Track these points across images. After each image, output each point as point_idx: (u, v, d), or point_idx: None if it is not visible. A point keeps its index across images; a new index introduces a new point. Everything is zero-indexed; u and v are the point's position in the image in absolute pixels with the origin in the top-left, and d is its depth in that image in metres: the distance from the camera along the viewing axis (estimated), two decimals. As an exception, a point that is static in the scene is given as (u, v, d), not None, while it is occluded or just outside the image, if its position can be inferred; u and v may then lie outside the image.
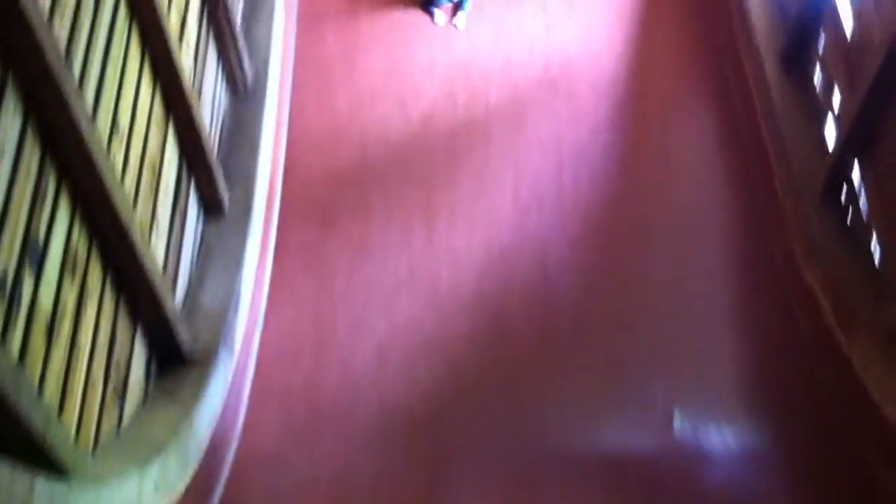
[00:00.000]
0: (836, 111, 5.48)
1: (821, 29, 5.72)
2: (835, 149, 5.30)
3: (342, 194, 6.15)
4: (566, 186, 6.26)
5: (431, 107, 6.64)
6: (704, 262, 5.98)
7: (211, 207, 5.08)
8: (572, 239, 6.02)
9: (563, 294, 5.77)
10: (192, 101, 4.67)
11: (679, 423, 5.33)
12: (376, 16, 7.14)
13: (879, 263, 4.95)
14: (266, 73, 5.97)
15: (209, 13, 5.37)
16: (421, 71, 6.82)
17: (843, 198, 5.31)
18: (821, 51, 5.75)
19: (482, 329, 5.60)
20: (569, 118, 6.63)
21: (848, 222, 5.25)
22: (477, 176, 6.29)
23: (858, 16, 5.29)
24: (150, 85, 4.32)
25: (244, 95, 5.83)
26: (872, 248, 5.02)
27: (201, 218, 5.04)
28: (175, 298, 4.34)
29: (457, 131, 6.53)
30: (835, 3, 5.54)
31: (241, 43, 5.76)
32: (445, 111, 6.62)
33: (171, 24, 4.51)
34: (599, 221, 6.12)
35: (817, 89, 5.77)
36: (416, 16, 7.13)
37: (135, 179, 4.03)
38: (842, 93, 5.43)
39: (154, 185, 4.27)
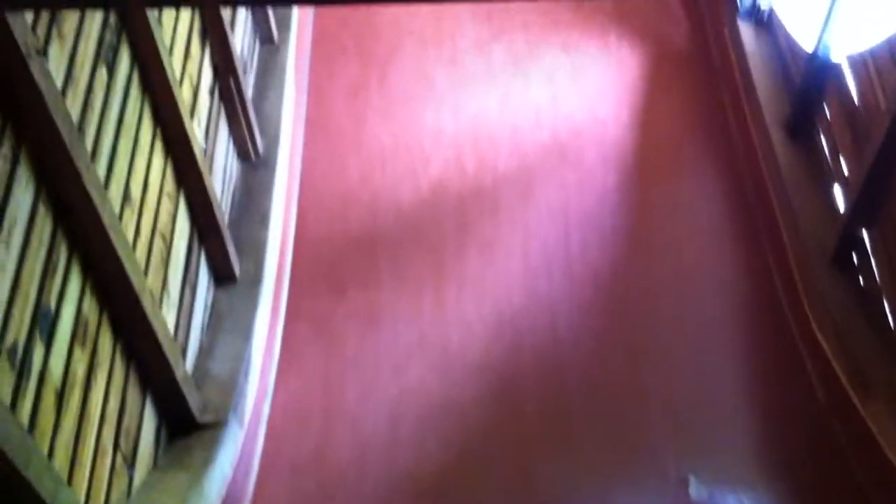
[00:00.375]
0: (844, 177, 5.52)
1: (825, 96, 5.79)
2: (844, 215, 5.32)
3: (352, 261, 6.18)
4: (575, 252, 6.28)
5: (441, 174, 6.70)
6: (716, 327, 5.95)
7: (221, 275, 5.12)
8: (582, 304, 6.01)
9: (573, 359, 5.74)
10: (204, 171, 4.75)
11: (694, 491, 5.25)
12: (386, 85, 7.26)
13: (894, 327, 4.93)
14: (277, 142, 6.06)
15: (221, 85, 5.48)
16: (430, 139, 6.90)
17: (854, 261, 5.31)
18: (826, 118, 5.80)
19: (493, 395, 5.57)
20: (577, 184, 6.67)
21: (860, 285, 5.24)
22: (486, 242, 6.32)
23: (862, 84, 5.36)
24: (162, 156, 4.40)
25: (255, 165, 5.92)
26: (886, 310, 5.01)
27: (212, 285, 5.08)
28: (185, 365, 4.35)
29: (466, 198, 6.58)
30: (838, 71, 5.61)
31: (252, 113, 5.87)
32: (455, 178, 6.68)
33: (184, 96, 4.61)
34: (609, 286, 6.11)
35: (824, 155, 5.81)
36: (425, 85, 7.25)
37: (146, 248, 4.08)
38: (848, 160, 5.47)
39: (165, 253, 4.32)
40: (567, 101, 7.23)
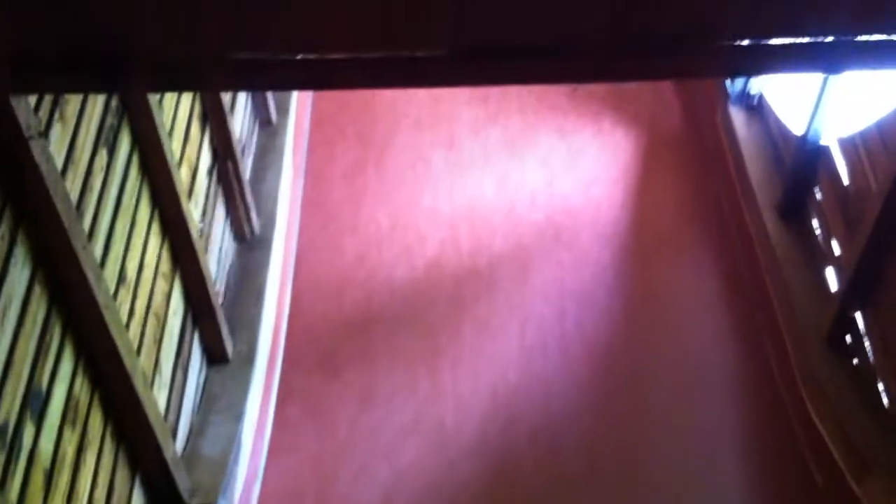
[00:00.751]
0: (837, 259, 5.55)
1: (816, 179, 5.86)
2: (838, 297, 5.33)
3: (347, 341, 6.18)
4: (570, 330, 6.28)
5: (436, 255, 6.74)
6: (712, 409, 5.93)
7: (214, 355, 5.11)
8: (578, 383, 6.00)
9: (569, 438, 5.70)
10: (199, 252, 4.78)
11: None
12: (383, 167, 7.36)
13: (888, 407, 4.91)
14: (273, 223, 6.11)
15: (219, 167, 5.55)
16: (426, 220, 6.97)
17: (848, 342, 5.31)
18: (818, 200, 5.86)
19: (488, 474, 5.52)
20: (572, 265, 6.71)
21: (855, 366, 5.24)
22: (481, 322, 6.33)
23: (852, 166, 5.43)
24: (159, 237, 4.44)
25: (251, 245, 5.96)
26: (881, 391, 4.99)
27: (204, 365, 5.06)
28: (175, 447, 4.31)
29: (461, 279, 6.61)
30: (829, 154, 5.69)
31: (249, 195, 5.93)
32: (450, 258, 6.72)
33: (182, 178, 4.67)
34: (605, 365, 6.11)
35: (816, 237, 5.85)
36: (422, 167, 7.35)
37: (139, 328, 4.08)
38: (841, 242, 5.51)
39: (158, 333, 4.33)
40: (562, 184, 7.32)
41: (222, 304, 5.31)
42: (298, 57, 2.68)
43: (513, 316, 6.38)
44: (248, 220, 5.96)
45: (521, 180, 7.33)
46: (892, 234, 4.87)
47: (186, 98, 4.98)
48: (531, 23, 2.64)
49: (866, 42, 2.83)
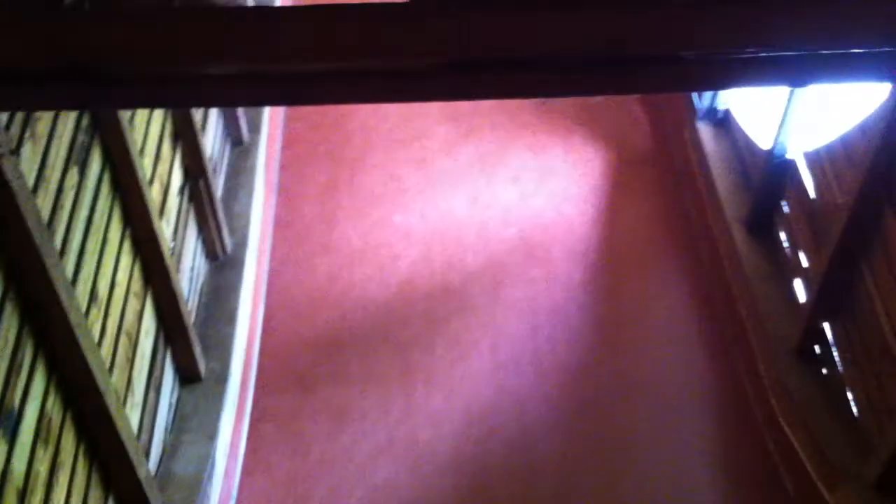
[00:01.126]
0: (804, 270, 5.62)
1: (783, 193, 5.94)
2: (806, 308, 5.40)
3: (319, 360, 6.16)
4: (543, 346, 6.30)
5: (409, 273, 6.75)
6: (684, 419, 5.96)
7: (187, 374, 5.09)
8: (550, 398, 6.01)
9: (543, 453, 5.71)
10: (171, 271, 4.77)
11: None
12: (355, 186, 7.37)
13: (858, 416, 4.97)
14: (245, 243, 6.10)
15: (191, 186, 5.54)
16: (398, 238, 6.98)
17: (817, 353, 5.38)
18: (785, 213, 5.94)
19: (462, 490, 5.51)
20: (543, 281, 6.74)
21: (824, 376, 5.30)
22: (454, 340, 6.33)
23: (818, 180, 5.51)
24: (130, 255, 4.42)
25: (223, 264, 5.94)
26: (850, 400, 5.06)
27: (177, 385, 5.03)
28: (148, 466, 4.28)
29: (434, 296, 6.62)
30: (795, 168, 5.77)
31: (221, 215, 5.92)
32: (423, 276, 6.73)
33: (153, 196, 4.66)
34: (577, 381, 6.12)
35: (784, 250, 5.93)
36: (394, 186, 7.37)
37: (112, 347, 4.06)
38: (808, 254, 5.59)
39: (130, 353, 4.30)
40: (534, 201, 7.36)
41: (194, 323, 5.29)
42: (273, 70, 2.68)
43: (485, 332, 6.39)
44: (221, 239, 5.95)
45: (493, 198, 7.36)
46: (858, 246, 4.95)
47: (158, 116, 4.97)
48: (509, 36, 2.66)
49: (831, 55, 2.88)
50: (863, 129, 4.93)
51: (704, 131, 6.88)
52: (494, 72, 2.75)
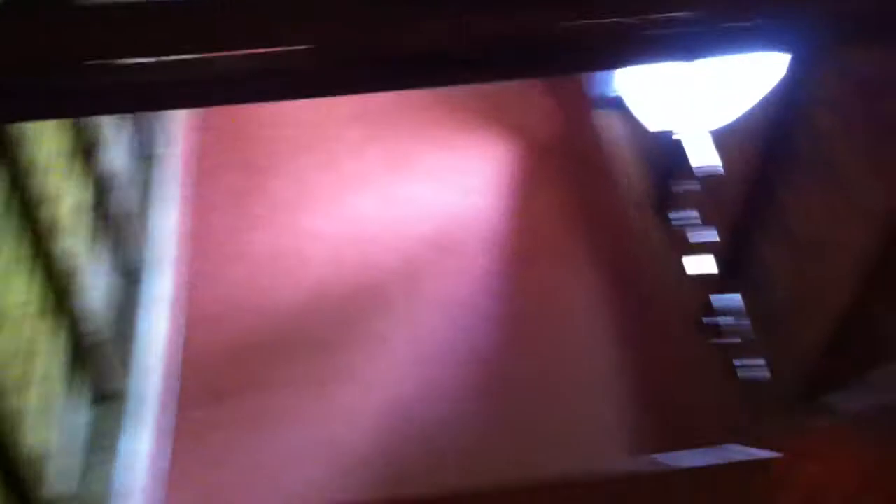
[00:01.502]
0: (704, 247, 5.81)
1: (681, 171, 6.11)
2: (706, 283, 5.59)
3: (237, 370, 6.17)
4: (460, 338, 6.40)
5: (323, 275, 6.79)
6: (597, 403, 6.11)
7: (101, 393, 5.05)
8: (471, 390, 6.11)
9: (464, 443, 5.81)
10: (79, 289, 4.73)
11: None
12: (268, 192, 7.38)
13: (762, 383, 5.16)
14: (158, 257, 6.08)
15: (97, 201, 5.49)
16: (311, 242, 7.01)
17: (719, 325, 5.56)
18: (685, 192, 6.12)
19: (379, 481, 5.58)
20: (458, 274, 6.84)
21: (723, 346, 5.49)
22: (372, 337, 6.39)
23: (714, 157, 5.69)
24: (36, 273, 4.37)
25: (136, 280, 5.90)
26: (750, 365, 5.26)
27: (91, 404, 4.99)
28: (58, 490, 4.25)
29: (350, 296, 6.67)
30: (693, 150, 5.94)
31: (132, 228, 5.88)
32: (338, 278, 6.78)
33: (60, 213, 4.61)
34: (493, 369, 6.24)
35: (685, 229, 6.10)
36: (304, 192, 7.39)
37: (21, 367, 4.02)
38: (707, 231, 5.77)
39: (41, 374, 4.26)
40: (446, 196, 7.45)
41: (107, 340, 5.25)
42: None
43: (403, 327, 6.47)
44: (132, 254, 5.91)
45: (405, 195, 7.43)
46: (754, 220, 5.14)
47: (62, 129, 4.91)
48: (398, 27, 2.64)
49: (724, 27, 2.94)
50: (761, 106, 5.11)
51: (605, 118, 7.05)
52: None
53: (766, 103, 5.04)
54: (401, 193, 7.44)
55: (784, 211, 4.87)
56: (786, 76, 4.69)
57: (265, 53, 2.62)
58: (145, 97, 2.85)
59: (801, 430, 4.70)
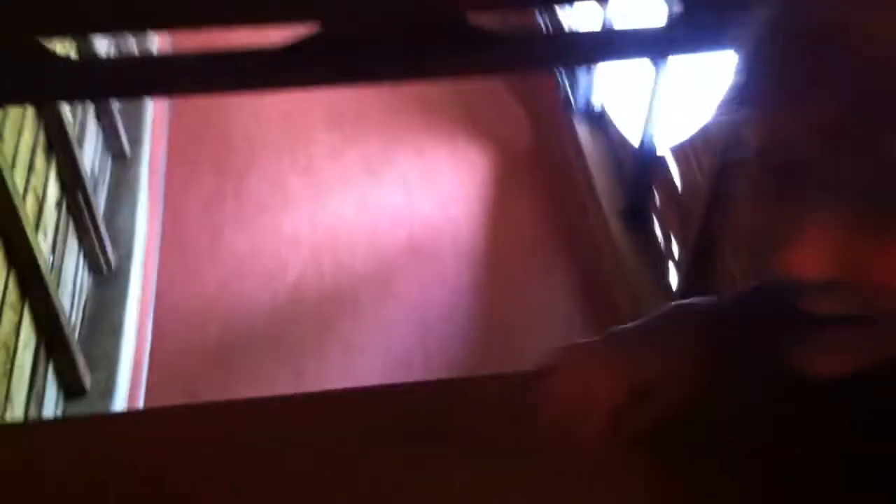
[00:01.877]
0: (674, 258, 5.88)
1: (653, 185, 6.19)
2: (677, 293, 5.65)
3: (209, 371, 6.15)
4: (434, 346, 6.43)
5: (298, 279, 6.80)
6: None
7: (71, 389, 5.04)
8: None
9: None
10: (50, 284, 4.72)
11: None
12: (241, 196, 7.39)
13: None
14: (130, 255, 6.07)
15: (68, 200, 5.49)
16: (287, 246, 7.02)
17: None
18: (657, 205, 6.19)
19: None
20: (433, 282, 6.87)
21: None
22: (345, 343, 6.41)
23: (683, 171, 5.77)
24: (5, 268, 4.37)
25: (107, 278, 5.90)
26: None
27: (61, 399, 4.98)
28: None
29: (324, 301, 6.68)
30: (664, 161, 6.02)
31: (103, 227, 5.87)
32: (312, 282, 6.79)
33: (28, 209, 4.61)
34: (465, 375, 6.25)
35: (657, 239, 6.17)
36: (280, 194, 7.40)
37: (-14, 361, 4.01)
38: (677, 241, 5.84)
39: (8, 366, 4.25)
40: (421, 203, 7.48)
41: (79, 337, 5.24)
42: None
43: (377, 334, 6.48)
44: (104, 253, 5.90)
45: (381, 201, 7.46)
46: (717, 230, 5.20)
47: (30, 126, 4.92)
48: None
49: (693, 24, 2.97)
50: (716, 119, 5.18)
51: (581, 128, 7.10)
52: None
53: (720, 119, 5.08)
54: (378, 199, 7.43)
55: (735, 221, 4.93)
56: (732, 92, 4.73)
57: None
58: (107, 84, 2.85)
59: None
